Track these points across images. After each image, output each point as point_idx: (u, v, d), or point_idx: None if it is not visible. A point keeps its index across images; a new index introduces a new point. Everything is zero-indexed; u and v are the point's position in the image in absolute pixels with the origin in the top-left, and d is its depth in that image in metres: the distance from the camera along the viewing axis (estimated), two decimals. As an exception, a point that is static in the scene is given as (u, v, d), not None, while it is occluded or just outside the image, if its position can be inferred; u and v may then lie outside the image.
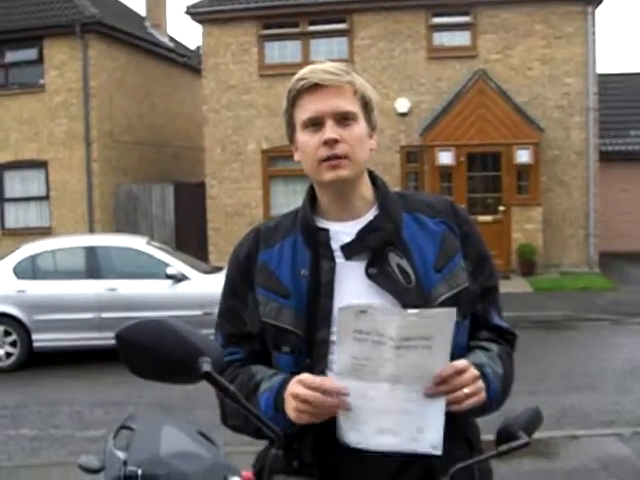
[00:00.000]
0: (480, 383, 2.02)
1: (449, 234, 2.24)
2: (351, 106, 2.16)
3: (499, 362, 2.21)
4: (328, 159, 2.13)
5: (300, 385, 1.99)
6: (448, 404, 1.97)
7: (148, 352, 1.81)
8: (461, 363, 1.99)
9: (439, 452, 1.96)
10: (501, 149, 20.01)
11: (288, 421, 2.03)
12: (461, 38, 21.37)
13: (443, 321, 1.92)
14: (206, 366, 1.78)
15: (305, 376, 2.01)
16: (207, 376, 1.78)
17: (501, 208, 20.18)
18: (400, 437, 1.95)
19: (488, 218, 19.91)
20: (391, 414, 1.95)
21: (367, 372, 1.95)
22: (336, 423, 1.97)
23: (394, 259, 2.16)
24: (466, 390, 1.97)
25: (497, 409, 2.22)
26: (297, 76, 2.17)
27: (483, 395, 2.03)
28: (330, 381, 1.97)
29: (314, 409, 1.97)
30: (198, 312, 11.75)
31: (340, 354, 1.96)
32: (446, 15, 21.53)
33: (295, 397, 1.99)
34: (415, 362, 1.93)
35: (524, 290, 18.16)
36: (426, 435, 1.95)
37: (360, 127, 2.18)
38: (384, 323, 1.90)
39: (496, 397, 2.16)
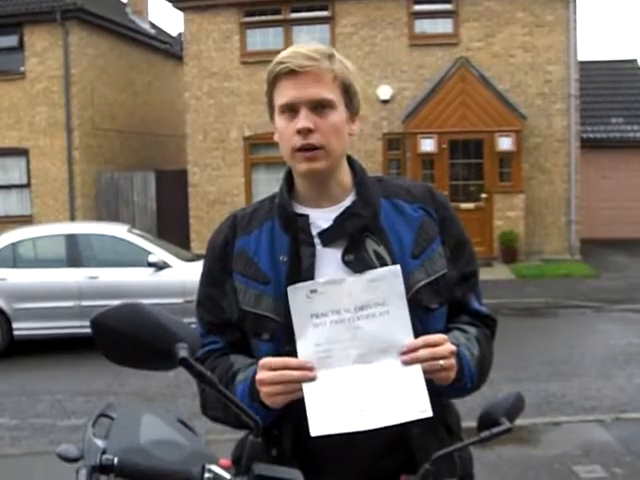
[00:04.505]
0: (453, 360, 2.01)
1: (427, 220, 2.22)
2: (329, 93, 2.11)
3: (476, 344, 2.19)
4: (302, 149, 2.10)
5: (264, 370, 1.98)
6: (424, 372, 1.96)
7: (124, 337, 1.78)
8: (436, 336, 1.99)
9: (429, 414, 1.92)
10: (483, 136, 20.03)
11: (266, 410, 2.02)
12: (443, 26, 21.38)
13: (391, 281, 1.92)
14: (183, 352, 1.75)
15: (266, 360, 2.00)
16: (183, 362, 1.76)
17: (483, 195, 20.22)
18: (385, 412, 1.92)
19: (470, 205, 19.96)
20: (370, 392, 1.93)
21: (335, 358, 1.94)
22: (308, 417, 1.93)
23: (371, 245, 2.14)
24: (442, 362, 1.96)
25: (473, 391, 2.21)
26: (277, 58, 2.13)
27: (452, 374, 2.02)
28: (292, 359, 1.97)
29: (285, 387, 1.95)
30: (180, 300, 11.76)
31: (302, 345, 1.95)
32: (428, 2, 21.52)
33: (262, 383, 1.98)
34: (377, 332, 1.93)
35: (506, 277, 18.22)
36: (411, 403, 1.93)
37: (338, 115, 2.13)
38: (336, 296, 1.91)
39: (472, 378, 2.14)
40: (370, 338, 1.93)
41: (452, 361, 1.99)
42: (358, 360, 1.94)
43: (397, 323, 1.94)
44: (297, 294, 1.93)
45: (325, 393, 1.94)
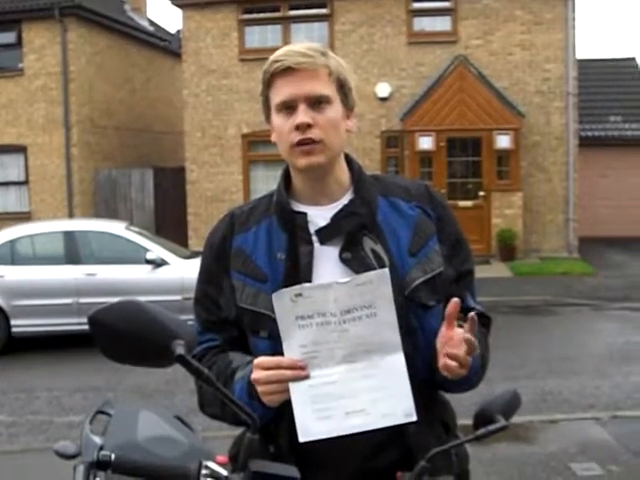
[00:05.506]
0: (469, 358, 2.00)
1: (424, 218, 2.22)
2: (325, 89, 2.12)
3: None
4: (301, 144, 2.11)
5: (258, 369, 1.98)
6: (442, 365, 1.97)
7: (121, 334, 1.78)
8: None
9: (414, 418, 1.94)
10: (481, 134, 20.03)
11: (264, 408, 2.02)
12: (442, 23, 21.37)
13: (379, 284, 1.91)
14: (179, 349, 1.76)
15: (260, 359, 2.00)
16: (180, 359, 1.76)
17: (481, 193, 20.22)
18: (370, 415, 1.93)
19: (468, 203, 19.96)
20: (355, 394, 1.93)
21: (320, 359, 1.93)
22: (296, 423, 1.95)
23: (368, 244, 2.15)
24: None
25: (473, 388, 2.22)
26: (272, 57, 2.14)
27: (465, 371, 2.01)
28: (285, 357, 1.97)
29: (279, 386, 1.96)
30: (178, 297, 11.75)
31: (287, 347, 1.95)
32: (426, 0, 21.50)
33: (257, 382, 1.98)
34: (364, 334, 1.92)
35: (504, 275, 18.22)
36: (396, 406, 1.94)
37: (335, 110, 2.15)
38: (322, 300, 1.90)
39: (476, 372, 2.14)
40: (356, 340, 1.92)
41: (469, 358, 1.99)
42: (343, 361, 1.93)
43: (384, 325, 1.93)
44: (282, 298, 1.92)
45: (311, 396, 1.94)
